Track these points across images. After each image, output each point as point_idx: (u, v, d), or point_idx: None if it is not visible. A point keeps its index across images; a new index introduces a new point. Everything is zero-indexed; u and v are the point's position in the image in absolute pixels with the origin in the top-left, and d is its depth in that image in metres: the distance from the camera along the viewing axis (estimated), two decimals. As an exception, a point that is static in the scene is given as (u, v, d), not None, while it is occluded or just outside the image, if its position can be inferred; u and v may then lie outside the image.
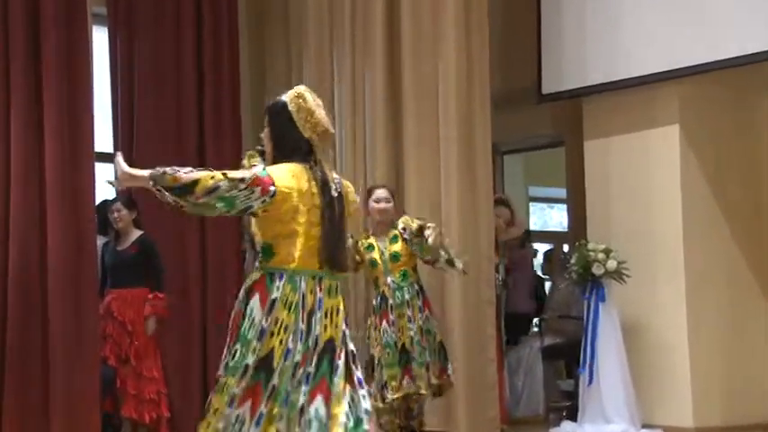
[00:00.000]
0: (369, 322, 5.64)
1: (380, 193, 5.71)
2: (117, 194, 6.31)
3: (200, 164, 6.42)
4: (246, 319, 3.31)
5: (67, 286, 5.96)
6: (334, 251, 3.40)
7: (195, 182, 3.20)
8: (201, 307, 6.77)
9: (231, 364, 3.32)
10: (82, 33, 6.22)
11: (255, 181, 3.28)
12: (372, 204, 5.66)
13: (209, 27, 6.99)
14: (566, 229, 8.86)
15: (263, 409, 3.31)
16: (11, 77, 6.01)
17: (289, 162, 3.41)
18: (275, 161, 3.43)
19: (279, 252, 3.36)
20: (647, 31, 6.55)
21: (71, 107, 6.14)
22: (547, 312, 7.67)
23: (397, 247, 5.58)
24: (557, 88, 7.06)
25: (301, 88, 3.51)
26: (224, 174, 3.23)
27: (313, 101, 3.47)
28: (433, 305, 5.82)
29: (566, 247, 8.34)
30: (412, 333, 5.47)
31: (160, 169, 3.23)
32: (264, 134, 3.50)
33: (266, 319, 3.30)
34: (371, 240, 5.63)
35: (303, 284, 3.34)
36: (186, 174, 3.21)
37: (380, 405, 5.42)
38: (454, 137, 6.35)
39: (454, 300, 6.22)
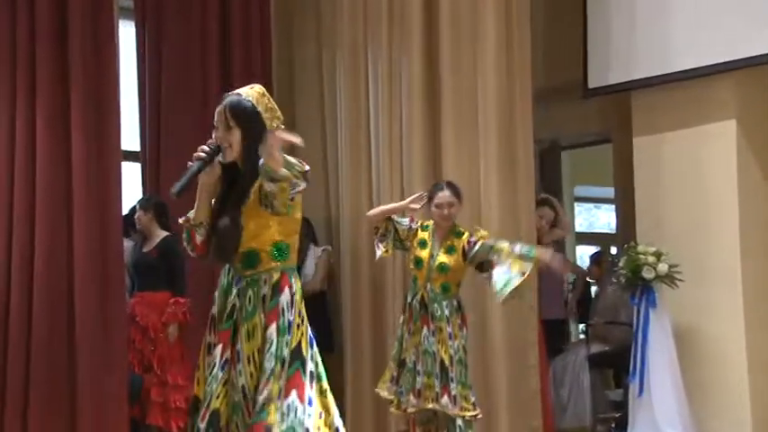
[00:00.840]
0: (401, 320, 5.48)
1: (445, 197, 5.43)
2: (149, 195, 6.39)
3: None
4: (281, 317, 3.49)
5: (93, 286, 6.01)
6: None
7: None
8: None
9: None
10: (108, 27, 6.28)
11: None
12: (434, 210, 5.42)
13: (237, 21, 7.01)
14: (613, 231, 8.88)
15: (309, 392, 3.53)
16: (36, 71, 6.05)
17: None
18: (248, 160, 3.51)
19: (292, 251, 3.60)
20: (702, 19, 6.44)
21: (98, 103, 6.22)
22: (593, 318, 7.61)
23: (450, 259, 5.36)
24: (604, 82, 6.96)
25: (256, 86, 3.63)
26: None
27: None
28: (472, 309, 5.75)
29: (614, 250, 8.34)
30: (452, 351, 5.31)
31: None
32: (231, 135, 3.51)
33: (291, 313, 3.52)
34: (426, 237, 5.41)
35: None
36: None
37: (397, 411, 5.38)
38: (494, 134, 6.32)
39: (494, 304, 6.13)
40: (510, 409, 6.18)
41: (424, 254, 5.38)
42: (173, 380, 6.10)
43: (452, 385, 5.27)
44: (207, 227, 3.57)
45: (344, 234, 6.90)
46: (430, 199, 5.45)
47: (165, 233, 6.27)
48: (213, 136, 3.55)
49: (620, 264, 6.44)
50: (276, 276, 3.54)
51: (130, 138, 6.71)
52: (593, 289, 8.57)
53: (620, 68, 6.88)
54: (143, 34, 6.85)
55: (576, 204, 10.48)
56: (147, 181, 6.80)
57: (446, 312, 5.32)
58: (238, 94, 3.55)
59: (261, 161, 3.43)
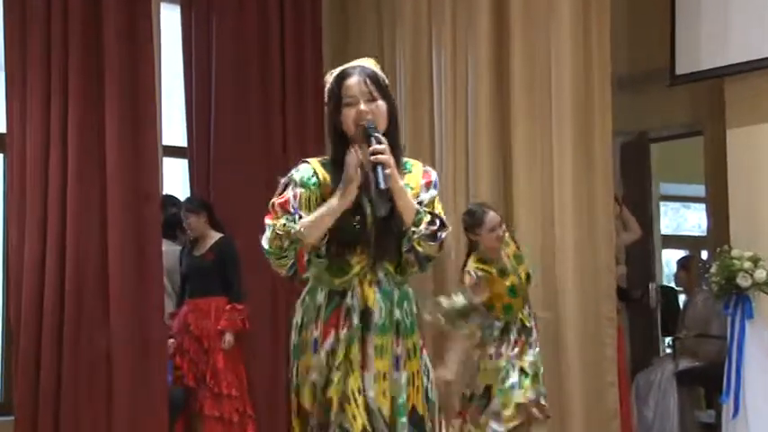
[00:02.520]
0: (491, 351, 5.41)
1: (496, 217, 5.45)
2: (191, 196, 6.43)
3: (285, 161, 6.61)
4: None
5: (130, 294, 6.07)
6: None
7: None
8: (286, 322, 6.61)
9: None
10: (145, 9, 6.30)
11: None
12: (486, 234, 5.40)
13: (289, 14, 7.07)
14: (704, 233, 8.80)
15: None
16: (69, 58, 6.07)
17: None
18: (394, 146, 3.14)
19: None
20: (805, -4, 6.31)
21: (134, 95, 6.27)
22: (681, 331, 7.51)
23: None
24: (694, 68, 6.82)
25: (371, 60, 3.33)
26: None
27: None
28: (544, 319, 5.78)
29: (704, 254, 8.34)
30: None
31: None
32: (377, 108, 3.15)
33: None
34: (497, 265, 5.46)
35: None
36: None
37: None
38: (569, 126, 6.26)
39: (568, 315, 6.14)
40: (586, 430, 6.13)
41: (512, 279, 5.42)
42: (227, 390, 6.11)
43: None
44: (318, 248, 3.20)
45: None
46: (475, 226, 5.40)
47: (219, 234, 6.30)
48: (352, 117, 3.14)
49: (712, 270, 6.30)
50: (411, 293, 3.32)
51: (176, 132, 6.76)
52: (682, 298, 8.52)
53: (713, 52, 6.75)
54: (190, 19, 6.85)
55: (661, 203, 10.19)
56: (195, 179, 6.80)
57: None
58: (365, 67, 3.23)
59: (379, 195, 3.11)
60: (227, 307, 6.13)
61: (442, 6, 6.76)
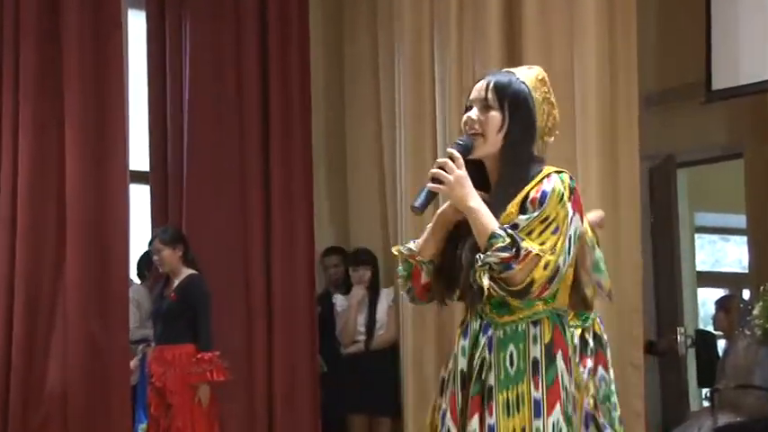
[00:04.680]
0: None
1: None
2: (166, 227, 6.40)
3: (266, 184, 6.76)
4: (563, 390, 3.08)
5: (88, 344, 6.06)
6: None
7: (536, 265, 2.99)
8: (267, 369, 6.72)
9: None
10: (114, 16, 6.29)
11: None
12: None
13: (274, 15, 6.99)
14: (745, 269, 8.73)
15: None
16: (20, 72, 6.03)
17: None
18: (504, 166, 3.12)
19: (561, 288, 3.13)
20: None
21: (98, 113, 6.20)
22: (721, 381, 7.25)
23: None
24: (732, 82, 6.78)
25: (536, 68, 3.29)
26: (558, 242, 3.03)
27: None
28: None
29: (746, 294, 8.28)
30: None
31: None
32: (486, 119, 3.14)
33: (571, 385, 3.11)
34: None
35: None
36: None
37: None
38: (593, 147, 6.24)
39: None
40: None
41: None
42: (190, 457, 6.07)
43: None
44: (436, 264, 3.17)
45: None
46: None
47: (189, 271, 6.22)
48: (463, 120, 3.17)
49: (755, 311, 6.28)
50: (548, 329, 3.09)
51: (137, 156, 6.72)
52: (721, 344, 8.40)
53: (753, 65, 6.69)
54: (161, 27, 6.76)
55: (696, 236, 10.28)
56: (157, 208, 6.77)
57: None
58: (511, 72, 3.20)
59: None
60: (195, 357, 6.02)
61: (446, 16, 6.71)
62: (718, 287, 9.88)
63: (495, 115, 3.09)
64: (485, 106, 3.11)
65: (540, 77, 3.18)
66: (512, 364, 3.05)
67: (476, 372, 3.08)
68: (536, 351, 3.05)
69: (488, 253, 2.95)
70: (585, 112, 6.25)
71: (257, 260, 6.71)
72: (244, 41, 6.87)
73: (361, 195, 7.31)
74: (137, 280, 6.72)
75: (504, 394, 3.04)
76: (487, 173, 3.15)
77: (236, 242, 6.62)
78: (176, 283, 6.17)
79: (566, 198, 2.99)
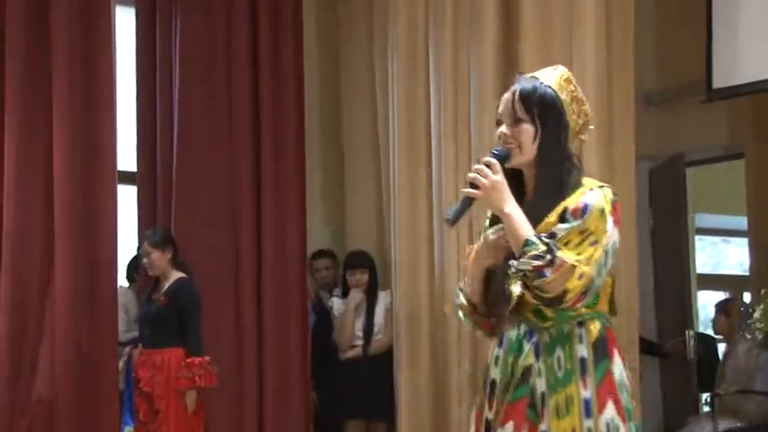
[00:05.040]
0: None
1: None
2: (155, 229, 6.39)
3: (257, 183, 6.75)
4: (621, 390, 3.14)
5: (76, 349, 6.02)
6: None
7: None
8: (257, 374, 6.70)
9: None
10: (103, 11, 6.25)
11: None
12: None
13: (265, 10, 6.96)
14: (746, 272, 8.77)
15: None
16: (6, 65, 6.04)
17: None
18: (541, 173, 3.19)
19: (601, 295, 3.19)
20: None
21: (86, 111, 6.17)
22: (721, 386, 7.24)
23: None
24: (733, 81, 6.71)
25: (560, 68, 3.34)
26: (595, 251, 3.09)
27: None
28: None
29: (747, 297, 8.31)
30: None
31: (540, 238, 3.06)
32: (518, 133, 3.20)
33: (627, 378, 3.20)
34: None
35: None
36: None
37: None
38: (589, 149, 6.07)
39: None
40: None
41: None
42: (187, 460, 6.07)
43: None
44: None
45: (399, 272, 6.75)
46: None
47: (179, 274, 6.21)
48: (497, 135, 3.25)
49: (756, 315, 6.27)
50: (595, 328, 3.14)
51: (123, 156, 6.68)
52: (721, 347, 8.39)
53: (755, 63, 6.61)
54: (150, 23, 6.73)
55: (697, 238, 10.34)
56: (145, 210, 6.72)
57: None
58: (534, 77, 3.25)
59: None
60: (183, 363, 5.99)
61: (442, 15, 6.66)
62: (719, 290, 9.92)
63: (526, 127, 3.15)
64: (515, 119, 3.16)
65: (564, 77, 3.22)
66: (560, 367, 3.10)
67: (518, 379, 3.12)
68: (582, 350, 3.10)
69: (522, 260, 3.01)
70: None
71: (248, 262, 6.68)
72: (235, 36, 6.83)
73: (357, 195, 7.29)
74: (124, 283, 6.69)
75: (555, 399, 3.09)
76: (525, 181, 3.20)
77: (226, 244, 6.60)
78: (166, 286, 6.16)
79: (607, 212, 3.06)
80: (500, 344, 3.20)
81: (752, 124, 7.30)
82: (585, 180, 3.15)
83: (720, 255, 11.99)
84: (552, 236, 3.03)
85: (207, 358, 6.02)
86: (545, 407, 3.08)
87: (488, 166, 3.10)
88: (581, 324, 3.11)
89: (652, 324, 7.52)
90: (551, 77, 3.21)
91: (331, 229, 7.39)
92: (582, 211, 3.05)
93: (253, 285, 6.70)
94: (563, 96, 3.18)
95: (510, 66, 6.39)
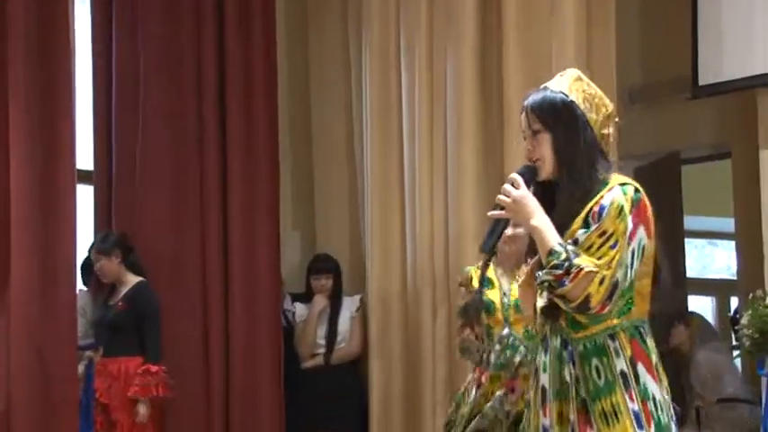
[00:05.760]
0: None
1: None
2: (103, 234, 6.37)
3: (224, 186, 6.71)
4: (651, 402, 3.22)
5: (33, 358, 6.01)
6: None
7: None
8: (225, 382, 6.63)
9: None
10: (61, 7, 6.23)
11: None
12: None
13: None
14: (734, 276, 8.70)
15: None
16: None
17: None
18: (564, 179, 3.26)
19: (635, 297, 3.24)
20: None
21: (45, 109, 6.15)
22: (697, 399, 7.28)
23: None
24: (720, 77, 6.79)
25: (570, 70, 3.42)
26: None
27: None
28: None
29: (734, 301, 8.31)
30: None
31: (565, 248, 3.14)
32: (538, 143, 3.29)
33: (662, 391, 3.25)
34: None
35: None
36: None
37: None
38: None
39: None
40: None
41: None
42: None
43: None
44: None
45: (372, 277, 6.76)
46: None
47: (136, 279, 6.20)
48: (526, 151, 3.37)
49: (743, 321, 6.22)
50: (627, 342, 3.22)
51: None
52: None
53: (742, 59, 6.69)
54: (105, 11, 6.69)
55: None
56: (101, 210, 6.67)
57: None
58: (544, 87, 3.35)
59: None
60: (140, 369, 5.95)
61: (416, 9, 6.66)
62: (706, 294, 9.88)
63: (544, 137, 3.24)
64: (532, 133, 3.26)
65: (574, 77, 3.31)
66: (599, 376, 3.19)
67: (572, 386, 3.22)
68: (621, 364, 3.19)
69: (545, 271, 3.11)
70: None
71: (215, 267, 6.62)
72: (202, 34, 6.79)
73: (329, 197, 7.25)
74: (81, 286, 6.62)
75: (599, 405, 3.19)
76: (557, 191, 3.29)
77: (192, 248, 6.55)
78: (123, 291, 6.14)
79: (626, 211, 3.10)
80: (545, 351, 3.28)
81: (739, 122, 7.25)
82: (613, 178, 3.20)
83: (707, 258, 11.99)
84: (575, 242, 3.12)
85: (163, 368, 5.98)
86: (589, 413, 3.19)
87: (512, 183, 3.19)
88: (612, 337, 3.19)
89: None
90: (561, 82, 3.30)
91: (300, 231, 7.33)
92: (599, 214, 3.12)
93: (220, 292, 6.65)
94: (575, 97, 3.26)
95: (488, 63, 6.46)
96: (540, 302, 3.20)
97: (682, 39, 6.95)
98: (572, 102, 3.25)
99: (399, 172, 6.67)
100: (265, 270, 6.71)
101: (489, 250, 3.29)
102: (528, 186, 3.21)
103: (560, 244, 3.10)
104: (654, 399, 3.19)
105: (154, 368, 5.95)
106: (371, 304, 6.73)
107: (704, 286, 10.65)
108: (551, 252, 3.09)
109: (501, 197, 3.19)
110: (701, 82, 6.80)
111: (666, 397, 3.24)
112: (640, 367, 3.19)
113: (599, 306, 3.08)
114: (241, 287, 6.65)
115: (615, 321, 3.18)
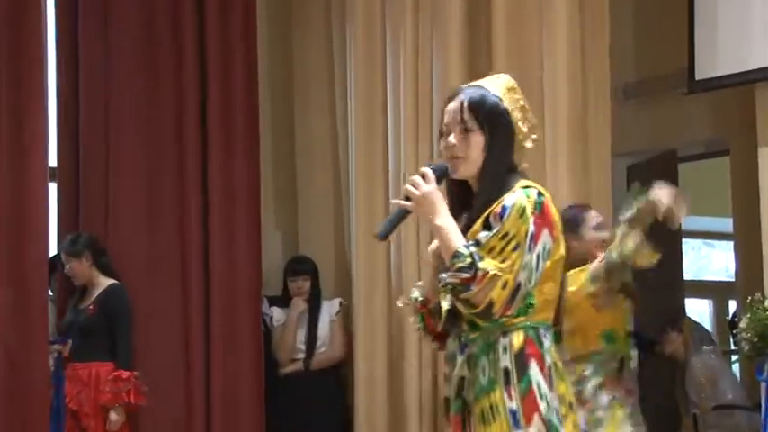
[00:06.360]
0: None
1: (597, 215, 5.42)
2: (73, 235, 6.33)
3: (203, 185, 6.69)
4: (541, 400, 3.22)
5: (3, 361, 6.02)
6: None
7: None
8: (205, 389, 6.59)
9: None
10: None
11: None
12: (592, 234, 5.30)
13: None
14: (732, 278, 8.73)
15: None
16: None
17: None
18: (485, 184, 3.31)
19: (537, 299, 3.27)
20: None
21: (15, 103, 6.17)
22: (694, 405, 7.30)
23: None
24: (717, 72, 6.75)
25: (503, 76, 3.49)
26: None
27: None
28: None
29: (732, 304, 8.30)
30: None
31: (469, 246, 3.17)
32: (469, 143, 3.31)
33: (553, 395, 3.26)
34: None
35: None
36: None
37: None
38: (563, 146, 6.20)
39: None
40: None
41: None
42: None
43: None
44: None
45: (357, 278, 6.74)
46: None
47: (109, 281, 6.22)
48: (441, 146, 3.39)
49: (742, 324, 6.19)
50: (518, 339, 3.24)
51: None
52: None
53: (740, 53, 6.65)
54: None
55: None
56: (67, 209, 6.64)
57: None
58: (479, 85, 3.43)
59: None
60: (110, 376, 5.94)
61: (402, 5, 6.66)
62: (703, 297, 9.97)
63: (476, 137, 3.28)
64: (464, 129, 3.29)
65: (509, 86, 3.38)
66: (484, 375, 3.23)
67: (454, 392, 3.28)
68: (506, 360, 3.21)
69: (450, 273, 3.12)
70: (555, 105, 6.22)
71: (194, 268, 6.58)
72: (180, 26, 6.75)
73: (312, 197, 7.22)
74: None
75: (479, 405, 3.22)
76: (474, 194, 3.33)
77: (170, 249, 6.53)
78: (95, 294, 6.14)
79: (528, 213, 3.14)
80: (447, 360, 3.33)
81: (737, 118, 7.23)
82: (519, 183, 3.24)
83: (704, 259, 12.07)
84: (477, 244, 3.14)
85: (135, 373, 5.96)
86: (471, 415, 3.23)
87: (423, 176, 3.23)
88: (505, 334, 3.20)
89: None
90: (498, 86, 3.36)
91: (282, 231, 7.28)
92: (500, 215, 3.16)
93: (200, 294, 6.61)
94: (509, 105, 3.33)
95: (476, 61, 6.44)
96: (445, 305, 3.19)
97: (677, 32, 6.94)
98: (505, 109, 3.31)
99: (384, 172, 6.66)
100: (246, 271, 6.68)
101: (384, 238, 3.33)
102: (438, 183, 3.24)
103: (465, 246, 3.12)
104: (544, 398, 3.18)
105: (125, 374, 5.95)
106: (356, 306, 6.71)
107: (701, 289, 10.70)
108: (456, 254, 3.11)
109: (409, 188, 3.21)
110: (698, 76, 6.78)
111: (556, 405, 3.21)
112: (533, 364, 3.20)
113: (501, 310, 3.12)
114: (221, 289, 6.60)
115: (514, 321, 3.20)
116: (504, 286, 3.09)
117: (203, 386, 6.53)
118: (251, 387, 6.59)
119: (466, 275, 3.08)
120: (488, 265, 3.07)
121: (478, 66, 6.42)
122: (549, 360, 3.24)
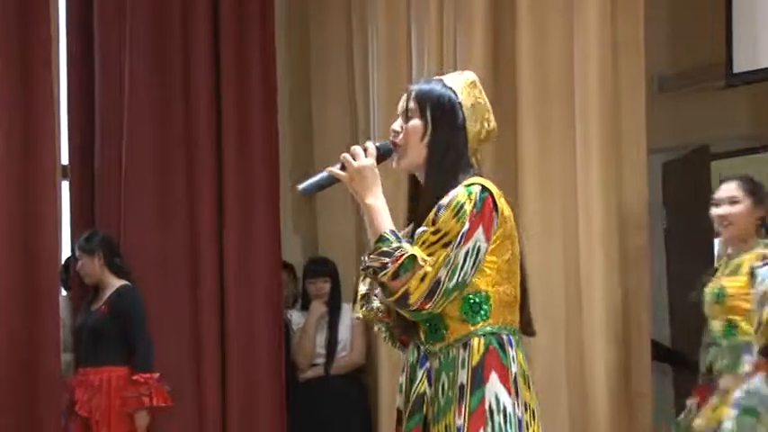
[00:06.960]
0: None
1: (725, 190, 5.40)
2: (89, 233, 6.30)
3: (219, 184, 6.67)
4: (496, 414, 3.17)
5: (13, 366, 6.03)
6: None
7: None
8: (219, 397, 6.58)
9: None
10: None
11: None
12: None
13: None
14: None
15: None
16: None
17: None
18: (429, 177, 3.30)
19: (498, 305, 3.25)
20: None
21: (24, 96, 6.18)
22: None
23: (734, 283, 5.21)
24: (757, 64, 6.65)
25: (467, 72, 3.47)
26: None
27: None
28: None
29: None
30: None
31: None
32: (407, 129, 3.33)
33: (517, 405, 3.21)
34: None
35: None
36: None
37: None
38: (595, 143, 6.17)
39: (595, 390, 5.96)
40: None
41: None
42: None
43: None
44: None
45: None
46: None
47: (121, 282, 6.15)
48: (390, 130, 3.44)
49: None
50: (478, 352, 3.20)
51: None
52: None
53: None
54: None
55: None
56: (80, 208, 6.60)
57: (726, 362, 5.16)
58: (439, 79, 3.43)
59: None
60: (130, 379, 5.90)
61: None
62: None
63: (415, 123, 3.28)
64: (406, 116, 3.31)
65: (470, 81, 3.36)
66: (443, 394, 3.19)
67: (410, 408, 3.23)
68: (462, 376, 3.18)
69: (372, 256, 3.11)
70: (586, 100, 6.20)
71: (210, 270, 6.54)
72: (194, 18, 6.71)
73: (332, 197, 7.06)
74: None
75: (437, 428, 3.18)
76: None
77: (183, 250, 6.49)
78: (107, 295, 6.10)
79: (465, 210, 3.11)
80: (403, 370, 3.31)
81: (776, 113, 7.29)
82: (467, 180, 3.21)
83: (741, 260, 11.90)
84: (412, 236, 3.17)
85: (156, 375, 5.90)
86: None
87: (365, 150, 3.21)
88: (465, 346, 3.18)
89: (666, 334, 7.42)
90: (455, 80, 3.35)
91: (300, 235, 7.25)
92: (437, 211, 3.15)
93: (215, 299, 6.57)
94: (464, 100, 3.31)
95: (501, 51, 6.43)
96: (362, 288, 3.26)
97: (715, 23, 6.88)
98: (459, 103, 3.29)
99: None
100: (265, 272, 6.62)
101: (305, 194, 3.33)
102: (378, 162, 3.22)
103: (392, 231, 3.12)
104: (493, 411, 3.12)
105: (144, 377, 5.90)
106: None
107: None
108: (382, 238, 3.10)
109: (347, 156, 3.19)
110: (736, 69, 6.71)
111: (518, 412, 3.16)
112: (492, 378, 3.15)
113: (419, 303, 3.07)
114: (237, 296, 6.57)
115: (471, 328, 3.18)
116: (423, 279, 3.05)
117: (218, 394, 6.49)
118: (271, 393, 6.55)
119: (386, 260, 3.07)
120: (413, 249, 3.07)
121: (503, 57, 6.42)
122: (514, 369, 3.19)
